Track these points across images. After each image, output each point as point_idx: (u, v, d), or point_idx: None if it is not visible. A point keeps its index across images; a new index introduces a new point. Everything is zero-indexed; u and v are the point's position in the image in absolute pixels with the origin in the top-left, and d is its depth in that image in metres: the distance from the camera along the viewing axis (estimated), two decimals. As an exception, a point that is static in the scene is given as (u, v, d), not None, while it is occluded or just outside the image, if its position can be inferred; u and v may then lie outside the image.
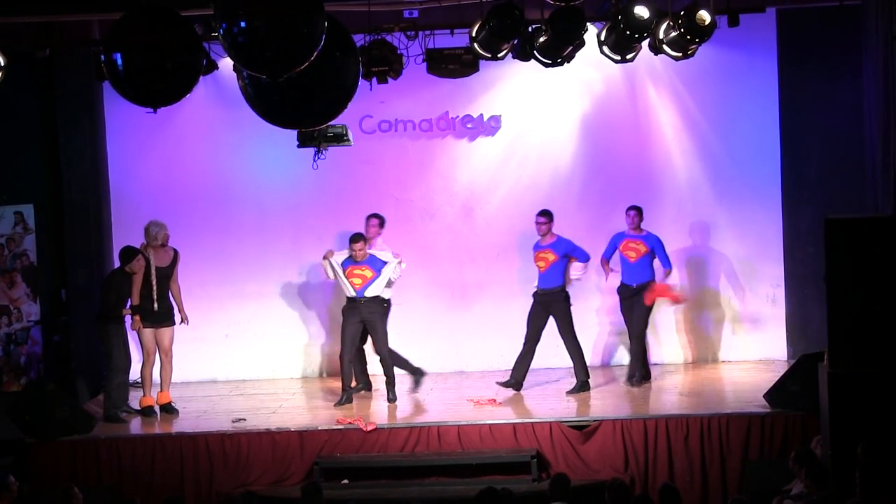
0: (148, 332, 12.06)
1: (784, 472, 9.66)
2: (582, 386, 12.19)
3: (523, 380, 12.31)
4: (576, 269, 12.25)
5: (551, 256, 12.20)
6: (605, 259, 12.53)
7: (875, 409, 9.34)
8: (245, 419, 11.53)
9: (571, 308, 12.26)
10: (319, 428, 11.39)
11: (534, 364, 13.11)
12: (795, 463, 9.18)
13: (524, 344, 12.31)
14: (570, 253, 12.22)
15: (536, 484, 10.81)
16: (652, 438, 11.04)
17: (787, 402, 10.99)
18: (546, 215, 12.30)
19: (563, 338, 12.25)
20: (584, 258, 12.26)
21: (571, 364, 12.26)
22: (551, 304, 12.21)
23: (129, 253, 12.02)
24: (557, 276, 12.21)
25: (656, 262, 12.39)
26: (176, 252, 12.28)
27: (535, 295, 12.30)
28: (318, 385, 13.19)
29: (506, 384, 12.27)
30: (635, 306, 12.33)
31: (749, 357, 13.34)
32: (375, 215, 12.47)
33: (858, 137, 12.27)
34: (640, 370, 12.39)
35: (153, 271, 12.01)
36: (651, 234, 12.35)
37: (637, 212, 12.36)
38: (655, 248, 12.32)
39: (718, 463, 10.97)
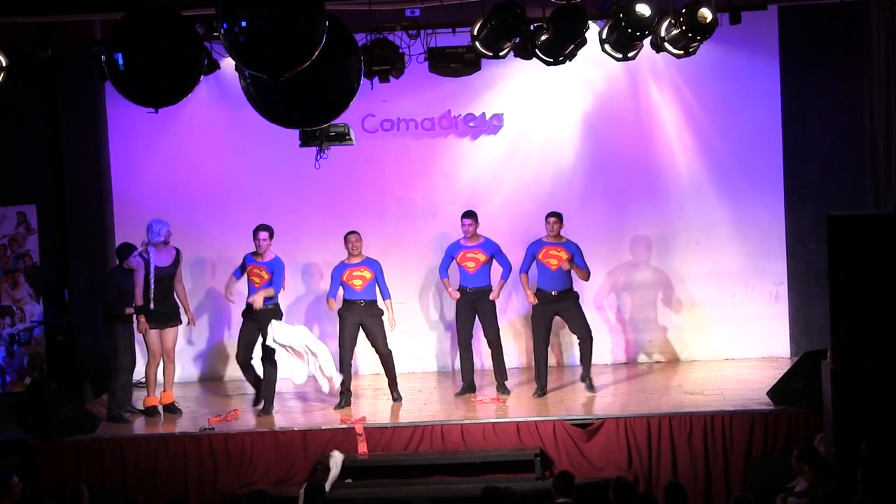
0: (153, 333, 12.05)
1: (788, 469, 9.66)
2: (502, 388, 12.19)
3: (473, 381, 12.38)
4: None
5: (482, 257, 12.19)
6: (525, 273, 12.24)
7: (878, 406, 9.35)
8: (213, 428, 11.51)
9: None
10: (322, 427, 11.39)
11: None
12: (799, 460, 9.17)
13: (462, 348, 12.35)
14: (496, 256, 12.24)
15: (540, 482, 10.81)
16: (655, 436, 11.04)
17: (791, 400, 10.99)
18: (472, 216, 12.27)
19: (487, 331, 12.23)
20: (506, 273, 12.23)
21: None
22: (480, 300, 12.20)
23: (123, 249, 12.05)
24: (486, 275, 12.23)
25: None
26: (178, 251, 12.28)
27: (462, 292, 12.25)
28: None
29: (462, 393, 12.27)
30: (571, 312, 12.09)
31: (752, 354, 13.33)
32: (265, 227, 12.30)
33: (860, 135, 12.27)
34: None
35: (152, 270, 11.99)
36: (571, 241, 12.13)
37: (557, 218, 12.09)
38: (575, 255, 12.08)
39: (722, 460, 10.97)
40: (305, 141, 11.00)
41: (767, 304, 13.37)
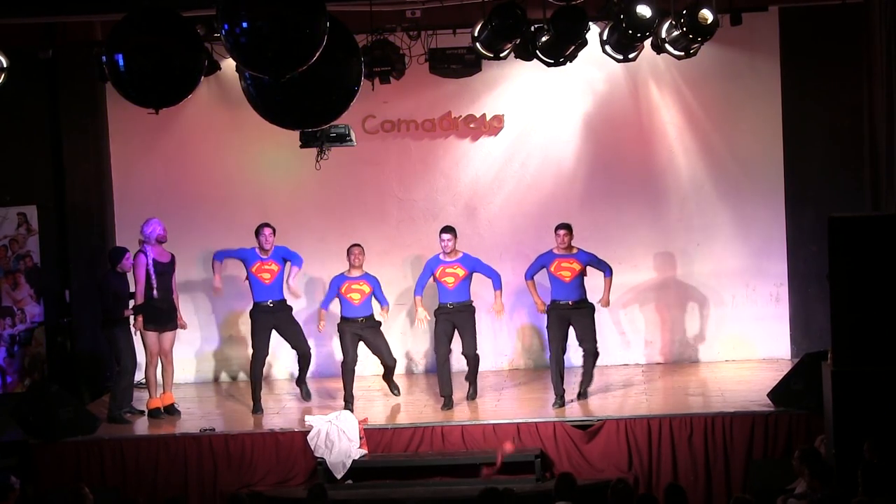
0: (151, 335, 12.02)
1: (788, 471, 9.65)
2: (471, 396, 12.08)
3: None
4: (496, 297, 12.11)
5: (461, 272, 12.06)
6: (530, 279, 12.05)
7: (879, 407, 9.35)
8: (214, 429, 11.50)
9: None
10: (323, 428, 11.40)
11: (538, 365, 13.16)
12: (799, 462, 9.16)
13: (440, 366, 12.07)
14: (477, 269, 12.12)
15: (540, 483, 10.81)
16: (656, 438, 11.04)
17: (791, 401, 10.98)
18: (451, 232, 12.11)
19: (465, 346, 12.03)
20: (497, 281, 12.10)
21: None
22: (460, 315, 12.02)
23: (114, 253, 12.08)
24: (466, 291, 12.08)
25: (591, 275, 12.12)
26: (173, 257, 12.18)
27: (442, 309, 12.08)
28: (319, 386, 13.17)
29: (444, 406, 11.92)
30: (584, 322, 11.88)
31: (752, 356, 13.33)
32: (268, 224, 12.30)
33: (861, 136, 12.27)
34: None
35: (150, 263, 11.93)
36: (582, 251, 11.96)
37: (567, 231, 11.89)
38: (590, 262, 11.91)
39: (722, 462, 10.97)
40: (306, 142, 11.01)
41: (768, 306, 13.37)
